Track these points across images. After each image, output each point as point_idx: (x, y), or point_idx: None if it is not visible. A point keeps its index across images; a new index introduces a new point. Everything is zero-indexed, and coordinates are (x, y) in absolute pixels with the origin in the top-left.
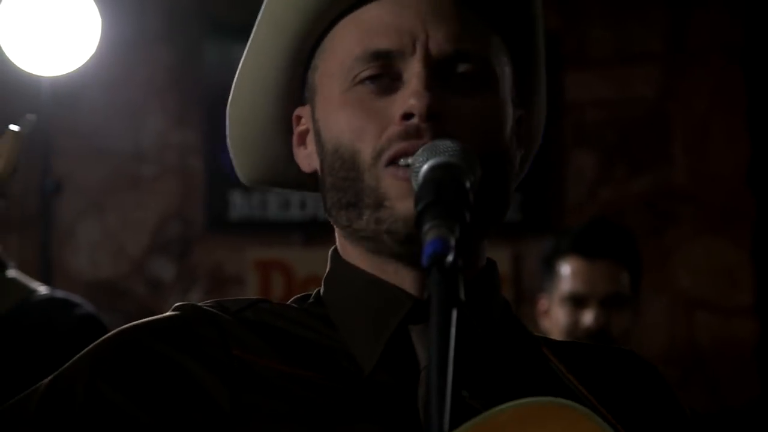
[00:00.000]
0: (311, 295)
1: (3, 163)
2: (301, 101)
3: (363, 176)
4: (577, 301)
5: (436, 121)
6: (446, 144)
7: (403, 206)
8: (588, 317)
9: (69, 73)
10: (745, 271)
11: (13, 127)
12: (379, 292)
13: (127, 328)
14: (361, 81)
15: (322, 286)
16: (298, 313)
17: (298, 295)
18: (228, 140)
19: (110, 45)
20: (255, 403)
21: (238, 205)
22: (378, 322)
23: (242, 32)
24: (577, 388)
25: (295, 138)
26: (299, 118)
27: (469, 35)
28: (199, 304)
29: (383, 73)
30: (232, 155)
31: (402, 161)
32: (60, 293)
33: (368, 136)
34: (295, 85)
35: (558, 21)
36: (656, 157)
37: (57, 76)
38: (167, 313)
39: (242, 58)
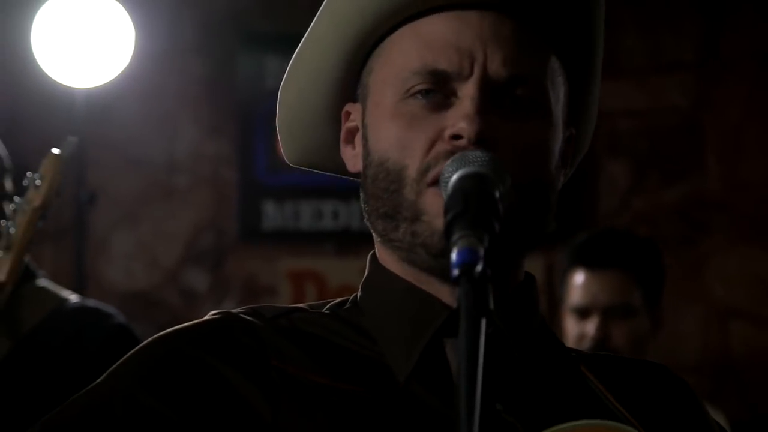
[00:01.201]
0: (348, 300)
1: (47, 187)
2: (351, 97)
3: (404, 189)
4: (581, 313)
5: (484, 146)
6: (476, 154)
7: (440, 222)
8: (590, 328)
9: (103, 84)
10: None
11: (55, 151)
12: (416, 301)
13: (167, 335)
14: (414, 94)
15: (360, 291)
16: (332, 322)
17: (335, 300)
18: (277, 121)
19: (144, 57)
20: (295, 415)
21: (271, 215)
22: (414, 332)
23: (275, 43)
24: (615, 407)
25: (343, 134)
26: (348, 114)
27: (527, 59)
28: (234, 311)
29: (438, 89)
30: (279, 135)
31: None
32: (91, 302)
33: (416, 152)
34: (348, 81)
35: None
36: (689, 166)
37: (91, 88)
38: (206, 319)
39: (299, 47)
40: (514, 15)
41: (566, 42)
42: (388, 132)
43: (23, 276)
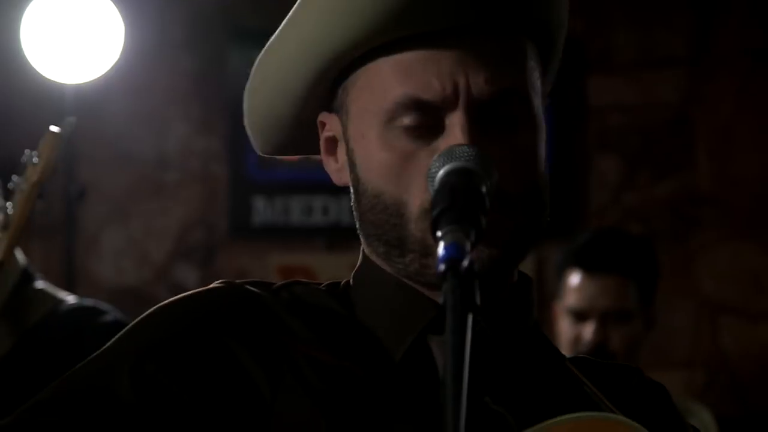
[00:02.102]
0: (340, 284)
1: (43, 164)
2: (322, 104)
3: (409, 225)
4: (578, 316)
5: None
6: (462, 149)
7: None
8: (587, 332)
9: (93, 80)
10: None
11: (54, 129)
12: (406, 297)
13: (173, 304)
14: (400, 123)
15: (351, 280)
16: (329, 299)
17: (329, 282)
18: (245, 121)
19: (133, 52)
20: (295, 393)
21: (261, 211)
22: (401, 328)
23: (265, 39)
24: (605, 404)
25: (322, 144)
26: (324, 124)
27: (509, 72)
28: (239, 282)
29: (423, 116)
30: (249, 134)
31: None
32: (88, 301)
33: (413, 188)
34: (319, 91)
35: (582, 26)
36: (680, 161)
37: (81, 84)
38: (213, 287)
39: (261, 57)
40: (488, 31)
41: (536, 26)
42: (380, 165)
43: (22, 278)
